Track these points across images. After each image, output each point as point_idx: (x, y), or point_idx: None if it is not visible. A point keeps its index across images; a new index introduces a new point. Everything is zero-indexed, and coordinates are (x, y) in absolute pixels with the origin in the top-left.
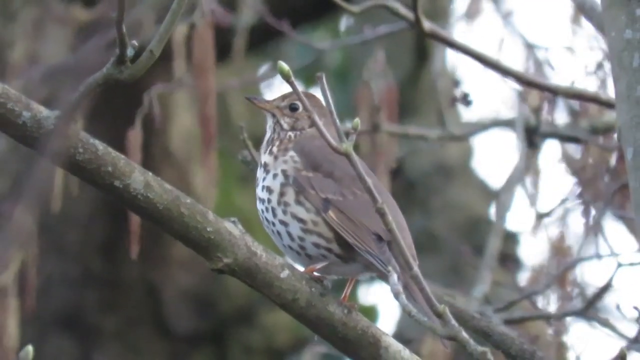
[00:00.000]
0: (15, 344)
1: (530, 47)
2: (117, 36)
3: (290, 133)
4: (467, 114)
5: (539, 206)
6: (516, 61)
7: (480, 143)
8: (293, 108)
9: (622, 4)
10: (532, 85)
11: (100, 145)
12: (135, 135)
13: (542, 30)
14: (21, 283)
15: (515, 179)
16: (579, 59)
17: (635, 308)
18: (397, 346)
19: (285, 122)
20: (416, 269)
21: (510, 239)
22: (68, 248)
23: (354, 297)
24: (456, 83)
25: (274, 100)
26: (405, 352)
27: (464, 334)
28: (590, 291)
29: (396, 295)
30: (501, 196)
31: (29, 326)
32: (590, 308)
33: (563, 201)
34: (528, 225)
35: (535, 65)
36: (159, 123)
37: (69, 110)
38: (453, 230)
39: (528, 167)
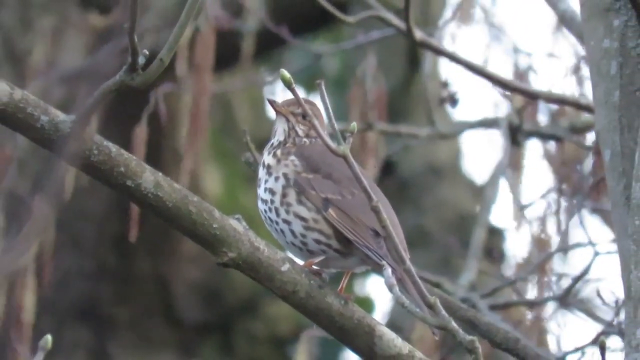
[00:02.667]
0: (31, 319)
1: (516, 53)
2: (129, 45)
3: (305, 139)
4: (461, 114)
5: (522, 200)
6: (502, 66)
7: (468, 143)
8: (305, 115)
9: (600, 15)
10: (516, 90)
11: (114, 147)
12: (141, 132)
13: (527, 36)
14: (38, 266)
15: (499, 174)
16: (560, 65)
17: (613, 293)
18: (390, 335)
19: (300, 130)
20: (409, 263)
21: (497, 234)
22: (84, 244)
23: (350, 288)
24: (444, 84)
25: (290, 105)
26: (398, 340)
27: (454, 324)
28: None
29: (390, 288)
30: (486, 190)
31: (48, 317)
32: (568, 295)
33: (544, 195)
34: (512, 219)
35: (520, 70)
36: (166, 123)
37: (85, 115)
38: (443, 227)
39: (511, 163)
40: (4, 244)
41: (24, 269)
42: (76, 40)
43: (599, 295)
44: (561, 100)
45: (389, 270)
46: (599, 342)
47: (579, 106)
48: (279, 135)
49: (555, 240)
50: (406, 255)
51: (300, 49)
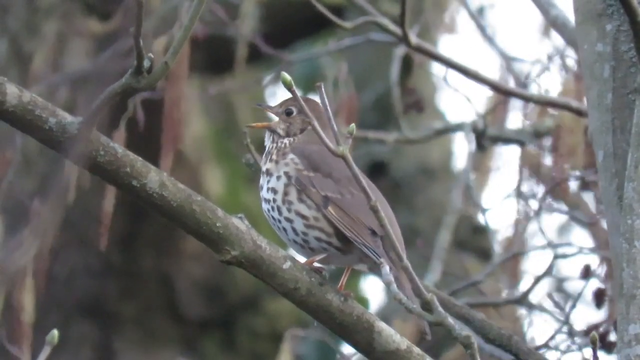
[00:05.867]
0: (31, 319)
1: (506, 58)
2: (134, 50)
3: (285, 140)
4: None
5: (486, 203)
6: (493, 70)
7: (460, 144)
8: (288, 113)
9: (594, 20)
10: (508, 94)
11: (120, 149)
12: (119, 137)
13: (517, 41)
14: (36, 267)
15: (463, 178)
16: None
17: (550, 295)
18: (389, 331)
19: (280, 129)
20: (406, 260)
21: (487, 234)
22: (90, 242)
23: (352, 286)
24: (409, 91)
25: (274, 107)
26: (397, 336)
27: (450, 320)
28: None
29: (388, 285)
30: (452, 194)
31: (54, 313)
32: (527, 295)
33: (507, 197)
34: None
35: (511, 74)
36: (144, 128)
37: (91, 117)
38: (435, 226)
39: (475, 167)
40: (6, 244)
41: (23, 269)
42: (79, 44)
43: (549, 297)
44: (552, 104)
45: (387, 268)
46: (590, 337)
47: (570, 109)
48: (266, 146)
49: (522, 242)
50: (403, 254)
51: (277, 59)
